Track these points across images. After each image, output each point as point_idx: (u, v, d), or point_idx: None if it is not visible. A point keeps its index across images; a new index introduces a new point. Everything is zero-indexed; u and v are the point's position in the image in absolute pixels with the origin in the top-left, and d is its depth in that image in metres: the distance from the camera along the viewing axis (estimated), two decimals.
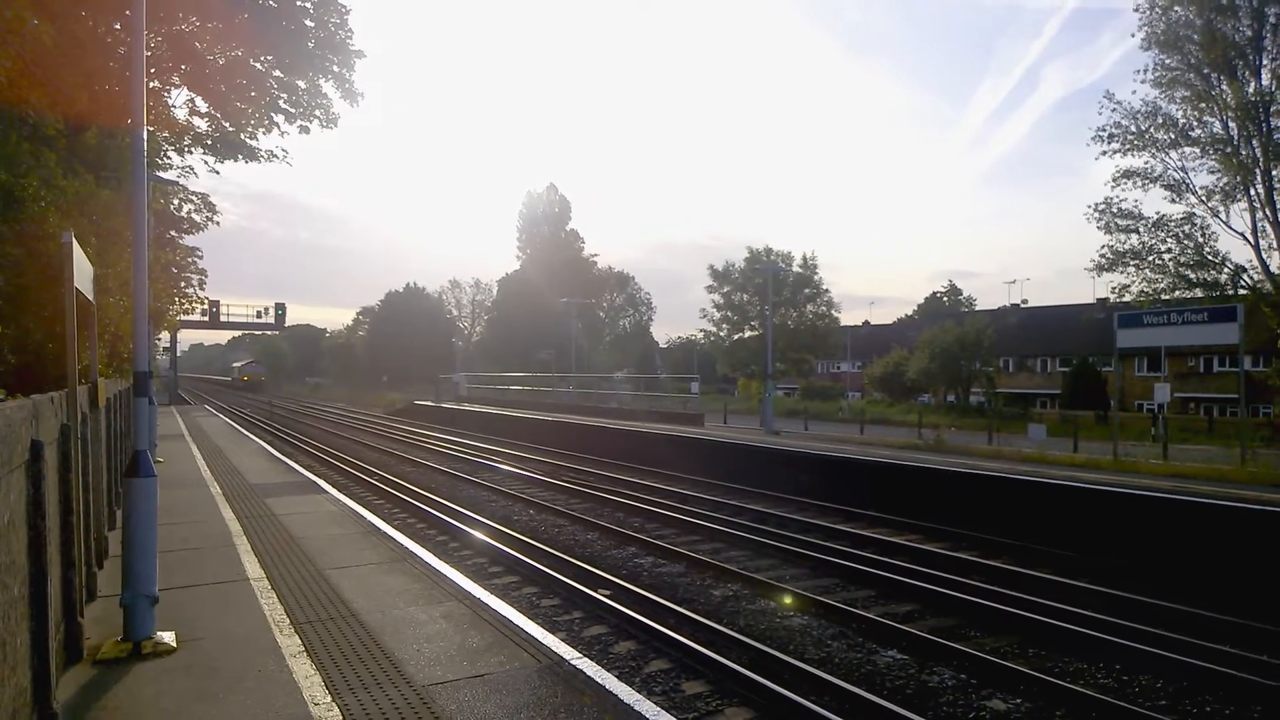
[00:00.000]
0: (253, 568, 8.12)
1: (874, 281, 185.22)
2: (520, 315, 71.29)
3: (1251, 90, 30.31)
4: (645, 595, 9.68)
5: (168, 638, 5.78)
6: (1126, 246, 31.43)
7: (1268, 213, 29.73)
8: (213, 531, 10.01)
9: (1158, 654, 7.68)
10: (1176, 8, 31.14)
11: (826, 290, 59.63)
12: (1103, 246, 31.96)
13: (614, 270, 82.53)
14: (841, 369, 74.51)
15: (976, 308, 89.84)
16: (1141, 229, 31.45)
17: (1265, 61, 30.23)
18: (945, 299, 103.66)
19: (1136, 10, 31.91)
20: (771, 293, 40.99)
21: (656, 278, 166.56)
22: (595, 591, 9.81)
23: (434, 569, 8.06)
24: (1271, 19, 29.92)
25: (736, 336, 61.34)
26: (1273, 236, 29.87)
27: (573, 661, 5.39)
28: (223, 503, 12.27)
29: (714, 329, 63.23)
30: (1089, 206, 32.75)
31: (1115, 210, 31.90)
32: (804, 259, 59.28)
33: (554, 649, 5.64)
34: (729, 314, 61.17)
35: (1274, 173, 29.46)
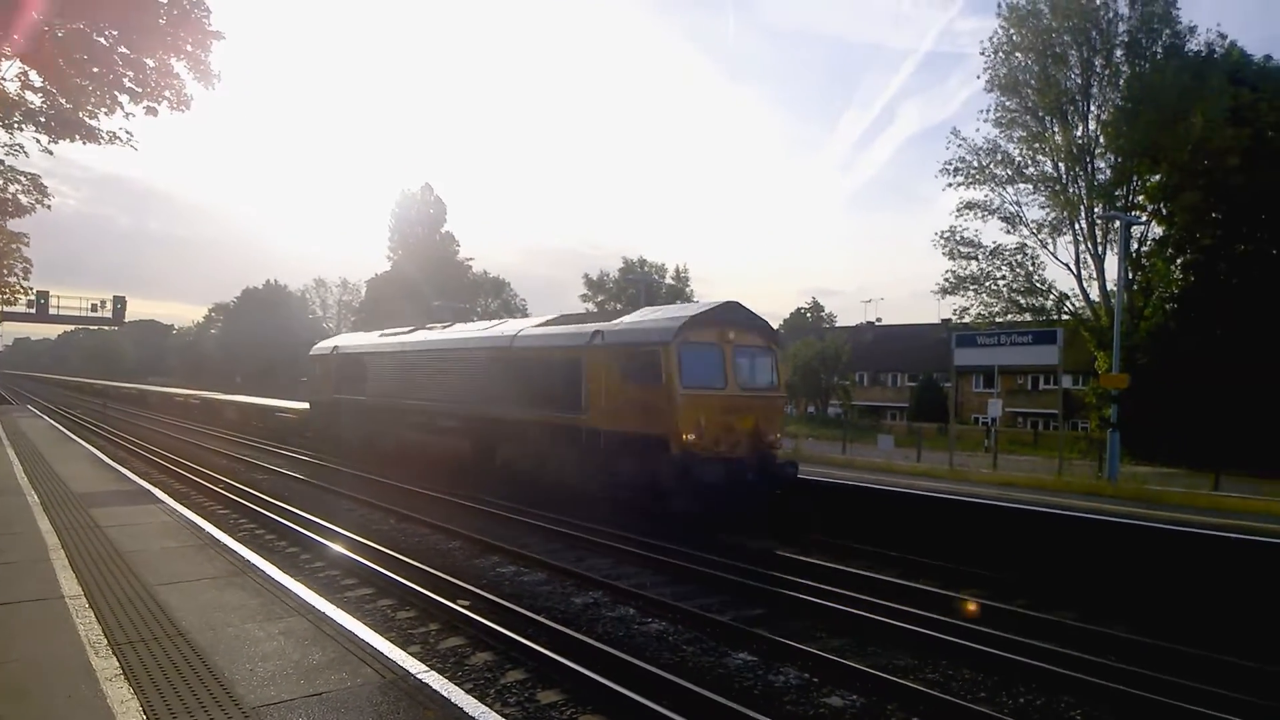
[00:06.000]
0: (69, 584, 7.47)
1: (745, 296, 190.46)
2: (390, 318, 68.87)
3: (1080, 134, 33.43)
4: (505, 605, 9.59)
5: None
6: (967, 272, 34.03)
7: (1089, 246, 32.84)
8: (26, 544, 9.14)
9: (980, 650, 8.26)
10: (1017, 54, 33.98)
11: (699, 302, 61.08)
12: (947, 271, 34.51)
13: (489, 275, 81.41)
14: None
15: (837, 324, 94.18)
16: (980, 256, 34.16)
17: (1092, 109, 33.45)
18: (809, 315, 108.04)
19: (982, 54, 34.60)
20: (645, 302, 41.52)
21: (533, 284, 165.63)
22: (454, 602, 9.64)
23: (277, 583, 7.67)
24: (1098, 69, 33.12)
25: None
26: (1093, 268, 33.01)
27: (419, 675, 5.26)
28: (39, 513, 11.22)
29: None
30: (935, 234, 35.25)
31: (958, 239, 34.49)
32: (677, 271, 60.64)
33: (400, 663, 5.49)
34: None
35: (1096, 210, 32.56)
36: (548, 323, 18.00)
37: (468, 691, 5.41)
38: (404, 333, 24.02)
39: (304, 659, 5.58)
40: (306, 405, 29.71)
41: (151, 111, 18.79)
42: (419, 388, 20.87)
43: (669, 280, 59.94)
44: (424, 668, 5.39)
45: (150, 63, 18.17)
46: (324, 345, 28.61)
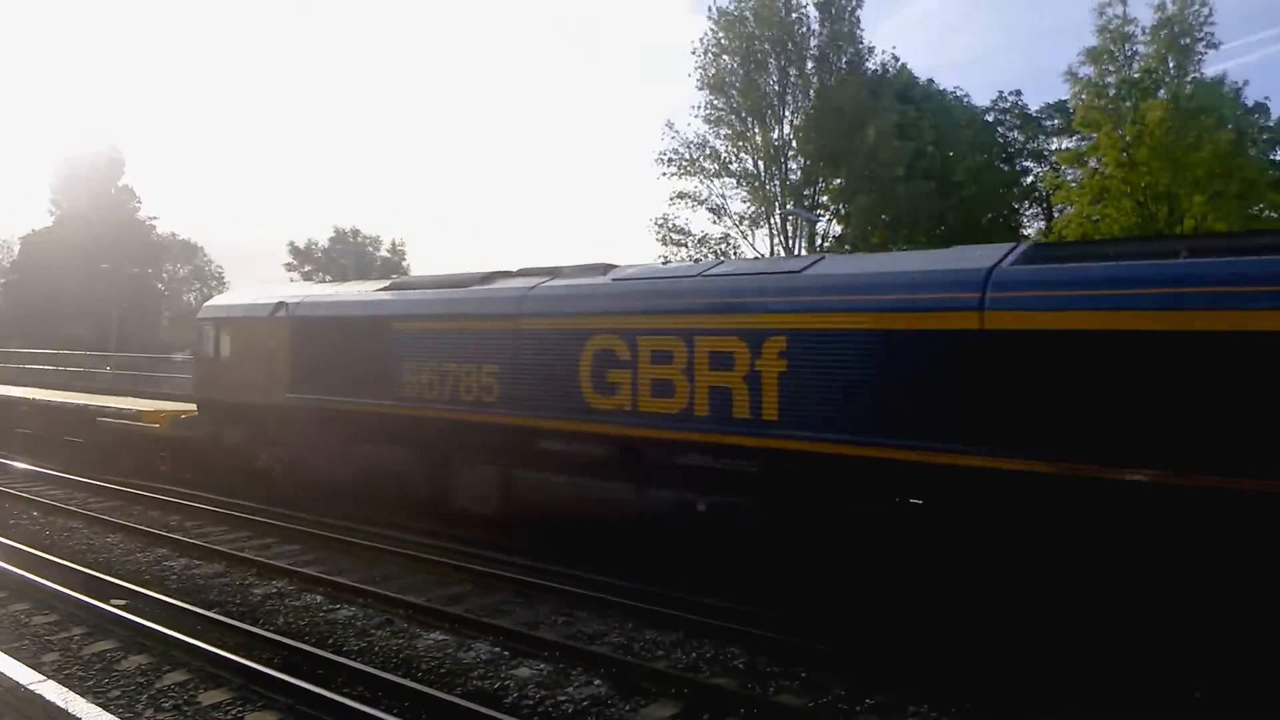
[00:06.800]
0: None
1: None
2: (49, 282, 58.91)
3: (776, 136, 36.86)
4: (170, 601, 8.69)
5: None
6: (678, 258, 36.31)
7: (781, 240, 36.45)
8: None
9: (661, 612, 8.65)
10: (725, 56, 36.64)
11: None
12: (659, 256, 36.56)
13: (178, 238, 72.49)
14: None
15: None
16: (690, 244, 36.64)
17: (787, 114, 37.00)
18: None
19: (694, 54, 36.89)
20: (355, 274, 39.49)
21: (233, 251, 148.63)
22: (107, 603, 8.55)
23: None
24: (793, 78, 36.68)
25: None
26: None
27: (30, 686, 4.57)
28: None
29: None
30: (650, 220, 37.24)
31: (670, 226, 36.74)
32: (393, 244, 58.67)
33: (8, 674, 4.74)
34: None
35: (788, 205, 36.21)
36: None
37: (111, 700, 4.83)
38: (457, 280, 12.52)
39: None
40: (192, 408, 16.80)
41: None
42: (594, 389, 10.11)
43: (384, 253, 57.70)
44: (38, 677, 4.70)
45: None
46: (250, 301, 15.34)
